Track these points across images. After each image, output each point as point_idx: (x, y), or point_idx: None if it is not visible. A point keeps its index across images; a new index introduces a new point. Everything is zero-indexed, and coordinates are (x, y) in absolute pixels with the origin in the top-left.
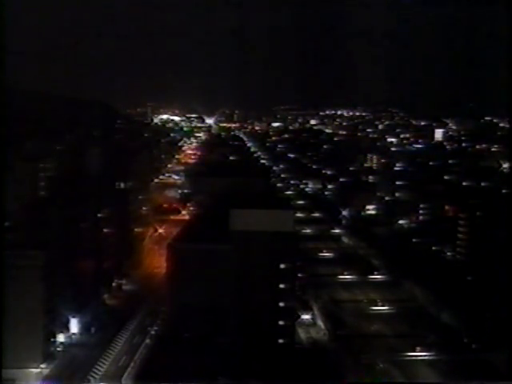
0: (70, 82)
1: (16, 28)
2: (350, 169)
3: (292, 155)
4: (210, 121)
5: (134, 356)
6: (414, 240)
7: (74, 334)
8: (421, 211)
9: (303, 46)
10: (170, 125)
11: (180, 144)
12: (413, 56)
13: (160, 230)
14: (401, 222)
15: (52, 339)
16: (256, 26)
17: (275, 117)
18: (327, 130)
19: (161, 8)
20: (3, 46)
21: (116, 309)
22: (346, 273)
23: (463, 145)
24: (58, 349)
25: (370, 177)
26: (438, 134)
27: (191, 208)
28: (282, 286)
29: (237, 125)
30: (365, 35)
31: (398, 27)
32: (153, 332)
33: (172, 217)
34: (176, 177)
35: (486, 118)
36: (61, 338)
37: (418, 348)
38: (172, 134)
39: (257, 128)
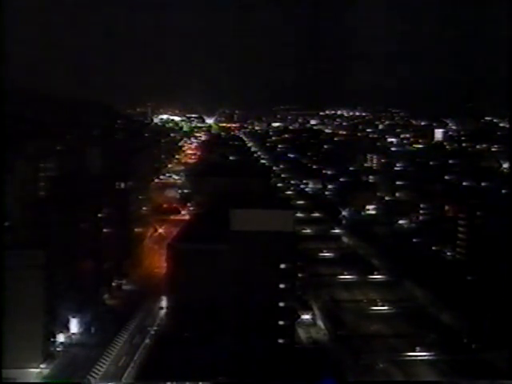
0: (70, 82)
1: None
2: (350, 169)
3: (292, 155)
4: (209, 121)
5: (134, 356)
6: (413, 240)
7: (73, 334)
8: (421, 211)
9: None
10: (170, 125)
11: (180, 144)
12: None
13: (160, 230)
14: (401, 221)
15: (52, 339)
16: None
17: (275, 117)
18: (327, 130)
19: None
20: (3, 47)
21: (116, 309)
22: (345, 273)
23: (463, 145)
24: (58, 349)
25: (370, 177)
26: (438, 134)
27: (191, 208)
28: (281, 285)
29: (237, 125)
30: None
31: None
32: (152, 332)
33: (172, 217)
34: (176, 177)
35: (486, 118)
36: (61, 337)
37: (418, 348)
38: (172, 134)
39: (257, 128)
